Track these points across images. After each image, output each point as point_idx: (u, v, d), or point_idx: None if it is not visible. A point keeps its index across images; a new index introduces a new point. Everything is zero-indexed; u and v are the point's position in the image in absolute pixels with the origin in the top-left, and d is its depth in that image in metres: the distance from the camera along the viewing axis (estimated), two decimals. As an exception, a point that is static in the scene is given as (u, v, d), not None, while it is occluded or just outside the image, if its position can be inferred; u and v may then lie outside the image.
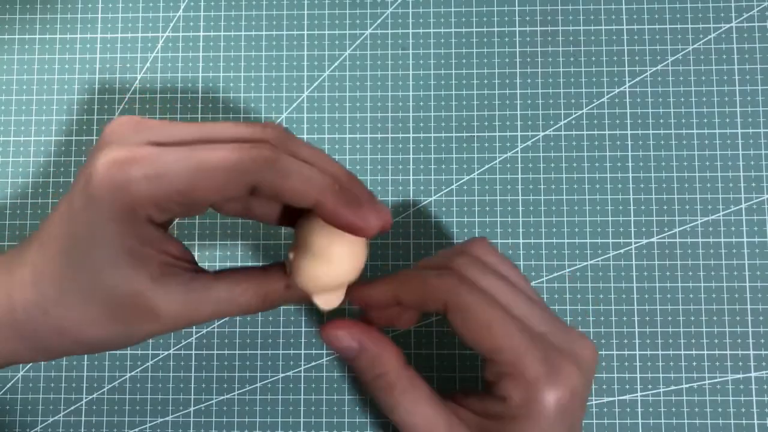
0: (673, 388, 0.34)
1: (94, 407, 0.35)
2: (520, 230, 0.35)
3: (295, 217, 0.26)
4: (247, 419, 0.35)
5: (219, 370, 0.35)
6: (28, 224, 0.36)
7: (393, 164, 0.36)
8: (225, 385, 0.35)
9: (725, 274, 0.35)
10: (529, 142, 0.36)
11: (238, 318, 0.35)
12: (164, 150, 0.22)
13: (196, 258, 0.26)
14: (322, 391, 0.35)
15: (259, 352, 0.35)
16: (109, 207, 0.22)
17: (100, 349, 0.24)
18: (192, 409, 0.35)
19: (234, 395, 0.35)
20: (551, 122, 0.36)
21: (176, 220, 0.34)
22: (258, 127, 0.23)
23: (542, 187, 0.36)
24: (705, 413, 0.34)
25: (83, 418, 0.35)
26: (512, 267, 0.28)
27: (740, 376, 0.34)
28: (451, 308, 0.25)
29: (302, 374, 0.35)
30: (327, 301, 0.26)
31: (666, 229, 0.35)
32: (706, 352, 0.34)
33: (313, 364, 0.35)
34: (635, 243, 0.35)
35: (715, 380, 0.34)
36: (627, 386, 0.34)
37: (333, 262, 0.25)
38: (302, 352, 0.35)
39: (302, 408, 0.35)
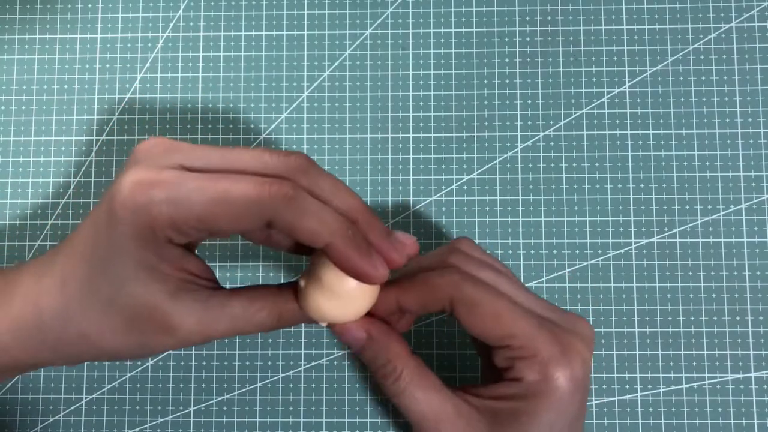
0: (673, 388, 0.34)
1: (94, 407, 0.35)
2: (520, 230, 0.35)
3: (306, 247, 0.27)
4: (247, 419, 0.35)
5: (219, 370, 0.35)
6: (27, 224, 0.36)
7: (393, 164, 0.36)
8: (225, 385, 0.35)
9: (725, 274, 0.35)
10: (529, 142, 0.36)
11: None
12: (188, 176, 0.22)
13: (217, 276, 0.27)
14: (322, 391, 0.35)
15: (259, 352, 0.35)
16: (130, 225, 0.22)
17: (118, 357, 0.25)
18: (192, 409, 0.35)
19: (234, 395, 0.35)
20: (551, 122, 0.36)
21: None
22: (282, 156, 0.23)
23: (542, 187, 0.36)
24: (705, 413, 0.34)
25: (83, 418, 0.35)
26: (499, 262, 0.29)
27: (740, 376, 0.34)
28: (458, 303, 0.26)
29: (302, 374, 0.35)
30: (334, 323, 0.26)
31: (666, 229, 0.35)
32: (706, 352, 0.34)
33: (313, 364, 0.35)
34: (635, 243, 0.35)
35: (715, 380, 0.34)
36: (627, 386, 0.34)
37: (342, 299, 0.25)
38: (302, 352, 0.35)
39: (302, 408, 0.35)
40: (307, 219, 0.22)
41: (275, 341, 0.35)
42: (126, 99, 0.37)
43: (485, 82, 0.36)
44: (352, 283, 0.24)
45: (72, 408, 0.35)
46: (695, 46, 0.36)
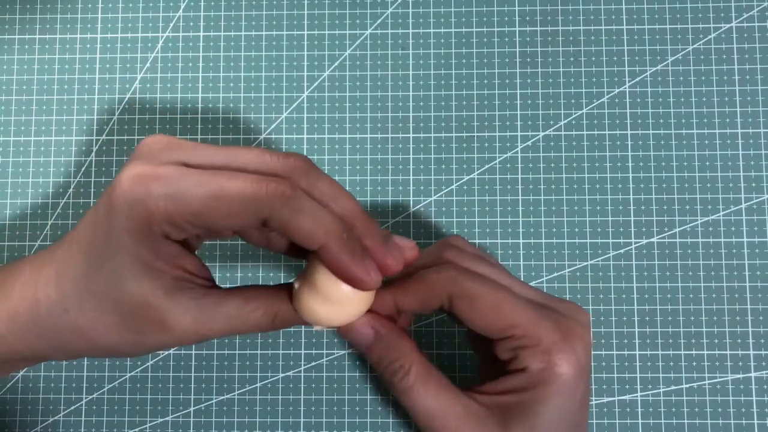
0: (673, 388, 0.34)
1: (94, 407, 0.35)
2: (520, 230, 0.35)
3: (304, 250, 0.27)
4: (247, 419, 0.35)
5: (219, 370, 0.35)
6: (27, 224, 0.36)
7: (393, 164, 0.36)
8: (225, 385, 0.35)
9: (725, 274, 0.35)
10: (529, 142, 0.36)
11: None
12: (186, 171, 0.22)
13: (215, 278, 0.27)
14: (322, 391, 0.35)
15: (259, 352, 0.35)
16: (127, 218, 0.22)
17: (112, 353, 0.25)
18: (192, 409, 0.35)
19: (234, 395, 0.35)
20: (551, 122, 0.36)
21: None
22: (282, 158, 0.23)
23: (542, 187, 0.36)
24: (705, 413, 0.34)
25: (83, 418, 0.35)
26: (491, 256, 0.29)
27: (740, 376, 0.34)
28: (457, 298, 0.26)
29: (302, 374, 0.35)
30: (328, 327, 0.26)
31: (666, 229, 0.35)
32: (706, 352, 0.34)
33: (313, 364, 0.35)
34: (635, 243, 0.35)
35: (715, 380, 0.34)
36: (627, 386, 0.34)
37: (335, 304, 0.25)
38: (302, 352, 0.35)
39: (302, 408, 0.35)
40: (302, 218, 0.22)
41: (275, 341, 0.35)
42: (126, 99, 0.37)
43: (485, 82, 0.36)
44: (345, 287, 0.24)
45: (72, 408, 0.35)
46: (695, 46, 0.36)
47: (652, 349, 0.34)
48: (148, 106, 0.37)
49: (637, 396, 0.34)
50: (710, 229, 0.35)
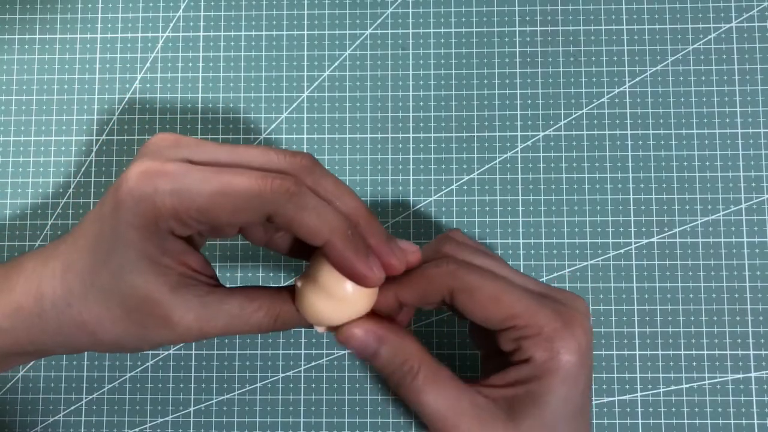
0: (673, 388, 0.34)
1: (94, 407, 0.35)
2: (520, 230, 0.35)
3: (306, 250, 0.27)
4: (247, 419, 0.35)
5: (219, 370, 0.35)
6: (27, 224, 0.36)
7: (393, 164, 0.36)
8: (225, 385, 0.35)
9: (725, 274, 0.35)
10: (529, 142, 0.36)
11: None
12: (192, 168, 0.23)
13: (218, 277, 0.27)
14: (322, 391, 0.35)
15: (259, 352, 0.35)
16: (134, 214, 0.22)
17: (115, 348, 0.25)
18: (192, 409, 0.35)
19: (234, 395, 0.35)
20: (551, 122, 0.36)
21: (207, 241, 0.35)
22: (289, 155, 0.24)
23: (542, 187, 0.36)
24: (705, 413, 0.34)
25: (83, 418, 0.35)
26: (488, 250, 0.29)
27: (740, 376, 0.34)
28: (457, 291, 0.26)
29: (302, 374, 0.35)
30: (330, 326, 0.26)
31: (666, 229, 0.35)
32: (706, 352, 0.34)
33: (313, 364, 0.35)
34: (635, 243, 0.35)
35: (715, 380, 0.34)
36: (627, 386, 0.34)
37: (338, 302, 0.25)
38: (302, 352, 0.35)
39: (302, 408, 0.35)
40: (307, 215, 0.23)
41: (275, 341, 0.35)
42: (126, 99, 0.37)
43: (485, 82, 0.36)
44: (349, 285, 0.24)
45: (72, 408, 0.35)
46: (695, 46, 0.36)
47: (652, 349, 0.34)
48: (148, 106, 0.37)
49: (637, 396, 0.34)
50: (710, 229, 0.35)
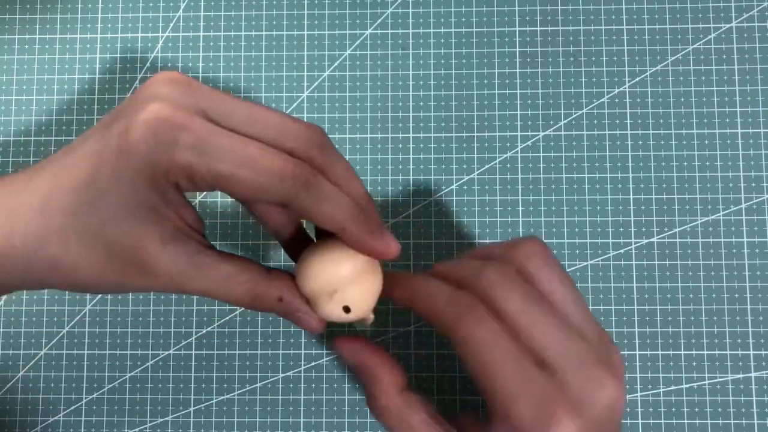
0: (673, 388, 0.34)
1: (94, 407, 0.35)
2: (520, 230, 0.35)
3: (303, 241, 0.27)
4: (247, 419, 0.35)
5: (219, 370, 0.35)
6: (28, 224, 0.36)
7: (393, 164, 0.36)
8: (225, 385, 0.35)
9: (725, 274, 0.35)
10: (529, 142, 0.36)
11: (238, 318, 0.35)
12: (218, 131, 0.22)
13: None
14: (322, 391, 0.35)
15: (259, 352, 0.35)
16: (144, 161, 0.21)
17: (87, 290, 0.24)
18: (192, 409, 0.35)
19: (234, 395, 0.35)
20: (551, 122, 0.36)
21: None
22: (303, 128, 0.23)
23: (542, 187, 0.36)
24: (705, 413, 0.34)
25: (83, 418, 0.35)
26: (559, 275, 0.25)
27: (740, 376, 0.34)
28: (454, 339, 0.24)
29: (302, 374, 0.35)
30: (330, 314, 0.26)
31: (666, 229, 0.35)
32: (706, 352, 0.34)
33: (313, 364, 0.35)
34: (635, 243, 0.35)
35: (715, 380, 0.34)
36: (627, 386, 0.34)
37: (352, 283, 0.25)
38: (302, 352, 0.35)
39: (302, 408, 0.35)
40: (324, 204, 0.23)
41: (275, 341, 0.35)
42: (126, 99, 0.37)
43: (485, 82, 0.36)
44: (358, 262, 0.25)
45: (72, 408, 0.35)
46: (695, 46, 0.36)
47: (652, 349, 0.34)
48: (148, 106, 0.37)
49: (637, 396, 0.34)
50: (710, 229, 0.35)
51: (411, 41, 0.37)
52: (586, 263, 0.35)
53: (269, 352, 0.35)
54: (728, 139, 0.36)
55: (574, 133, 0.36)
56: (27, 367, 0.35)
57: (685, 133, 0.36)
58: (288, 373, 0.35)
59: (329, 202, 0.23)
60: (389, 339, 0.35)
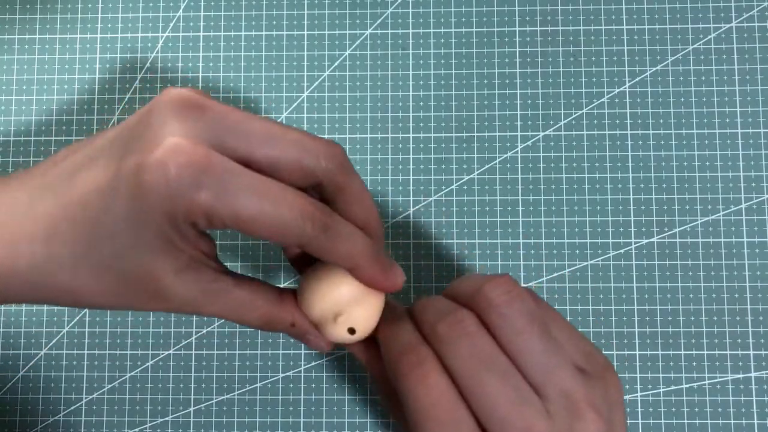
0: (673, 388, 0.34)
1: (94, 407, 0.35)
2: (520, 230, 0.35)
3: (310, 261, 0.27)
4: (247, 419, 0.35)
5: (219, 370, 0.35)
6: (28, 224, 0.36)
7: (393, 164, 0.36)
8: (225, 385, 0.35)
9: (725, 274, 0.35)
10: (529, 142, 0.36)
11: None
12: (240, 171, 0.21)
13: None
14: (322, 391, 0.35)
15: (259, 352, 0.35)
16: (162, 203, 0.21)
17: (96, 308, 0.24)
18: (192, 409, 0.35)
19: (234, 395, 0.35)
20: (551, 122, 0.36)
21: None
22: (322, 147, 0.23)
23: (542, 187, 0.36)
24: (705, 413, 0.34)
25: (83, 418, 0.35)
26: (523, 323, 0.23)
27: (740, 376, 0.34)
28: (398, 390, 0.24)
29: (302, 374, 0.35)
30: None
31: (666, 229, 0.35)
32: (706, 352, 0.34)
33: (313, 364, 0.35)
34: (635, 243, 0.35)
35: (715, 380, 0.34)
36: (627, 386, 0.34)
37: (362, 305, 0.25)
38: (302, 352, 0.35)
39: (302, 408, 0.35)
40: (339, 245, 0.23)
41: (275, 341, 0.35)
42: (126, 99, 0.37)
43: (485, 82, 0.36)
44: (361, 303, 0.25)
45: (72, 408, 0.35)
46: (695, 46, 0.36)
47: (652, 349, 0.34)
48: (148, 106, 0.37)
49: (637, 396, 0.34)
50: (710, 229, 0.35)
51: (411, 41, 0.37)
52: (586, 263, 0.35)
53: (269, 352, 0.35)
54: (728, 139, 0.36)
55: (574, 133, 0.36)
56: (27, 367, 0.35)
57: (685, 133, 0.36)
58: (288, 373, 0.35)
59: (345, 242, 0.23)
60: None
